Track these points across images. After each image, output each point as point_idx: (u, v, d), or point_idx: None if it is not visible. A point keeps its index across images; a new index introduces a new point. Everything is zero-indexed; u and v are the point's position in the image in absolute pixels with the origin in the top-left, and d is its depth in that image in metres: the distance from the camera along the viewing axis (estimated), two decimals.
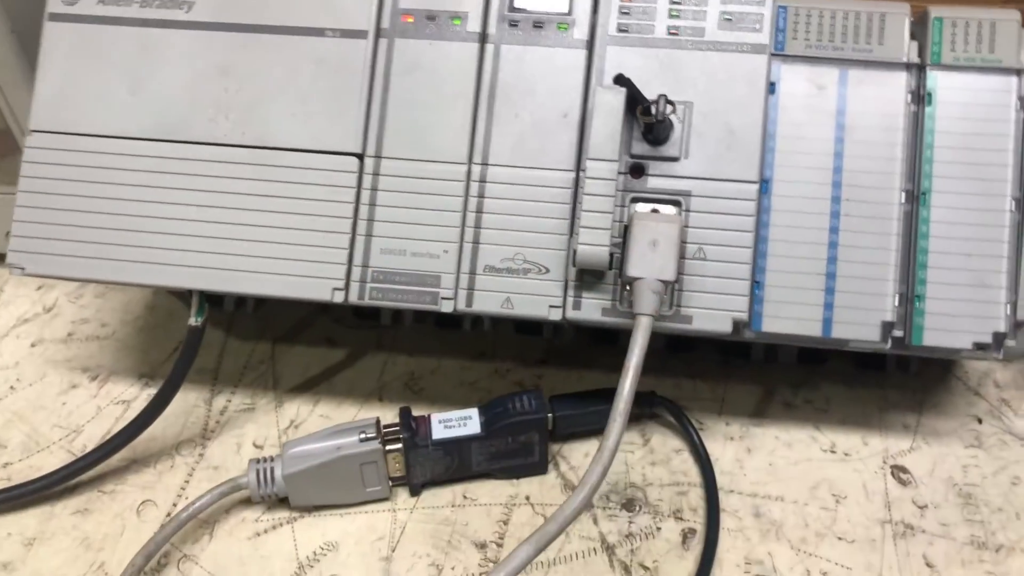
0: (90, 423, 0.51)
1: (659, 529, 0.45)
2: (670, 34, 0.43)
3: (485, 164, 0.43)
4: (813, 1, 0.44)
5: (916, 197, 0.42)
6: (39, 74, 0.46)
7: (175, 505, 0.46)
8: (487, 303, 0.43)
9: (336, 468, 0.44)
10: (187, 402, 0.51)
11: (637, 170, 0.43)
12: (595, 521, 0.45)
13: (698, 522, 0.45)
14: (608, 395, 0.39)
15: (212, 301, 0.53)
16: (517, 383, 0.52)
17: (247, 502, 0.46)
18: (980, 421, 0.49)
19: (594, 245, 0.40)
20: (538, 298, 0.43)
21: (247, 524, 0.45)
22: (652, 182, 0.43)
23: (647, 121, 0.41)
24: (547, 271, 0.43)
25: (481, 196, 0.43)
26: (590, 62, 0.43)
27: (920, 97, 0.43)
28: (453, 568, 0.43)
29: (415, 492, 0.46)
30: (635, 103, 0.41)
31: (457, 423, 0.45)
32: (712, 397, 0.51)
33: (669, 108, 0.41)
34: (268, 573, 0.43)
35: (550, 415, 0.46)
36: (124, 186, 0.45)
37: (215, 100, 0.45)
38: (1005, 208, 0.42)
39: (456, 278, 0.43)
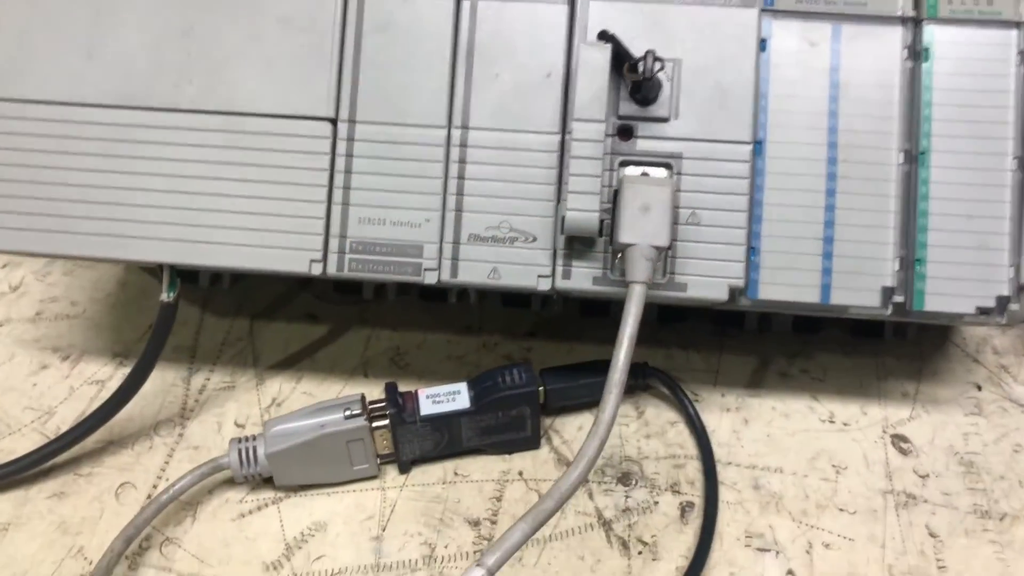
0: (63, 404, 0.49)
1: (656, 503, 0.44)
2: None
3: (465, 128, 0.42)
4: None
5: (915, 157, 0.41)
6: None
7: (155, 487, 0.45)
8: (472, 274, 0.41)
9: (321, 446, 0.43)
10: (164, 381, 0.50)
11: (625, 132, 0.41)
12: (591, 496, 0.44)
13: (696, 495, 0.44)
14: (600, 367, 0.38)
15: (186, 277, 0.52)
16: (505, 356, 0.51)
17: (231, 483, 0.45)
18: (980, 388, 0.48)
19: (583, 211, 0.39)
20: (526, 268, 0.41)
21: (231, 505, 0.45)
22: (641, 144, 0.41)
23: (634, 79, 0.40)
24: (534, 239, 0.41)
25: (463, 161, 0.41)
26: (572, 18, 0.42)
27: (916, 52, 0.41)
28: (446, 546, 0.43)
29: (404, 469, 0.46)
30: (621, 60, 0.40)
31: (446, 398, 0.44)
32: (706, 368, 0.50)
33: (657, 65, 0.39)
34: (255, 555, 0.43)
35: (541, 388, 0.45)
36: (86, 156, 0.43)
37: (178, 64, 0.42)
38: (1007, 167, 0.41)
39: (439, 248, 0.41)
